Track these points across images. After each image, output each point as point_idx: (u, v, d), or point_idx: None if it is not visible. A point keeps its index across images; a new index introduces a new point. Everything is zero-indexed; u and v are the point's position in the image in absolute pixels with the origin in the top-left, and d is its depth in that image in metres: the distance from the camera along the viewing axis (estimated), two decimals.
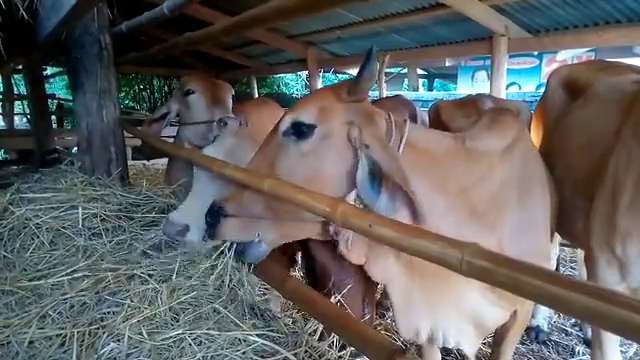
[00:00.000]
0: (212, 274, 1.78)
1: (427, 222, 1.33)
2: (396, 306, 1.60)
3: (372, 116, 1.49)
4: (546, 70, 8.77)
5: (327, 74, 13.11)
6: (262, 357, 1.50)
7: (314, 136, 1.46)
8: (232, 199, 1.62)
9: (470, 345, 1.71)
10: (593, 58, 7.42)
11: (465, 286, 1.56)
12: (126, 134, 3.52)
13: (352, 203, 1.40)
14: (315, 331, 1.70)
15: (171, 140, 3.22)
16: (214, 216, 1.59)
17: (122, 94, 14.53)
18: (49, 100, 9.88)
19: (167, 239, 2.14)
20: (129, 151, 7.99)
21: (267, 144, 1.61)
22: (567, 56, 8.54)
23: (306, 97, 1.65)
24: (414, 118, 3.11)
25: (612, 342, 1.93)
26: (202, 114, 2.92)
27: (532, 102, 5.38)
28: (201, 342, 1.49)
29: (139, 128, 3.64)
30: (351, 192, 1.43)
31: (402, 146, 1.48)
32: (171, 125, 3.24)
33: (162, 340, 1.46)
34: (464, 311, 1.64)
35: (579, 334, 3.26)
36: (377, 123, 1.48)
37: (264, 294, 2.10)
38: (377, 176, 1.38)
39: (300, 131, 1.47)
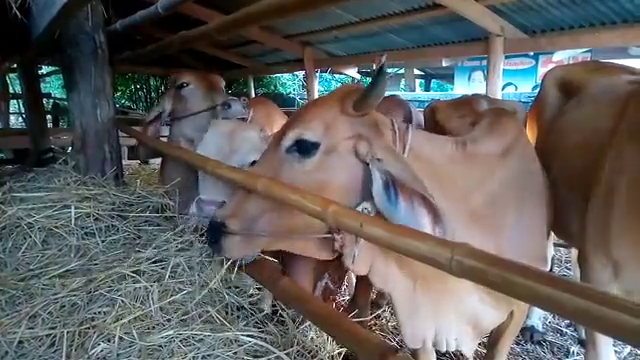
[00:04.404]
0: (205, 274, 1.76)
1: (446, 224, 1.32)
2: (401, 315, 1.59)
3: (379, 127, 1.47)
4: (542, 71, 8.76)
5: (324, 74, 13.13)
6: (254, 357, 1.49)
7: (318, 153, 1.44)
8: (234, 215, 1.55)
9: (468, 346, 1.72)
10: (589, 59, 7.44)
11: (464, 289, 1.56)
12: (122, 134, 3.50)
13: None
14: (302, 324, 1.70)
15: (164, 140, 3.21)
16: (216, 233, 1.52)
17: (118, 93, 14.47)
18: (45, 99, 9.84)
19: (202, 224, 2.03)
20: (125, 151, 7.97)
21: (269, 157, 1.58)
22: (563, 57, 8.54)
23: (309, 109, 1.59)
24: (409, 118, 3.10)
25: (606, 342, 1.93)
26: (200, 103, 2.93)
27: (528, 103, 5.38)
28: (192, 342, 1.48)
29: (134, 128, 3.63)
30: (359, 205, 1.42)
31: (405, 153, 1.47)
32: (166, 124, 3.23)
33: (153, 340, 1.45)
34: (464, 314, 1.64)
35: (574, 334, 3.26)
36: (384, 134, 1.47)
37: (257, 294, 2.09)
38: (392, 187, 1.36)
39: (304, 148, 1.44)
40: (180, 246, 2.08)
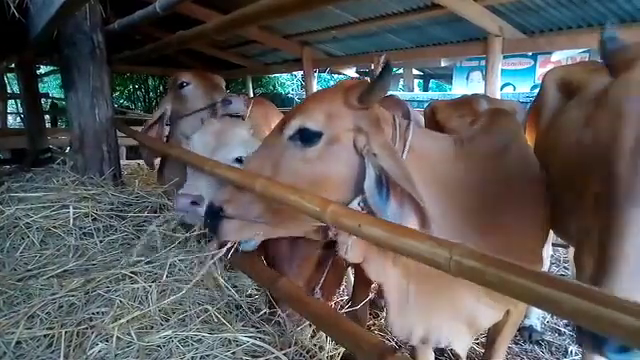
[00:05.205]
0: (202, 274, 1.76)
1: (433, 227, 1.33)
2: (391, 305, 1.59)
3: (379, 123, 1.48)
4: (541, 71, 8.76)
5: (322, 74, 13.12)
6: (253, 357, 1.49)
7: (320, 142, 1.45)
8: (231, 201, 1.59)
9: (462, 344, 1.71)
10: (587, 59, 7.44)
11: (459, 286, 1.55)
12: (120, 133, 3.50)
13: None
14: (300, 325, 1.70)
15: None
16: (214, 217, 1.56)
17: (117, 93, 14.46)
18: (43, 99, 9.83)
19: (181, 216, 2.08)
20: (123, 150, 7.96)
21: (270, 145, 1.59)
22: (561, 57, 8.55)
23: (313, 99, 1.60)
24: (407, 118, 3.10)
25: None
26: (200, 102, 2.92)
27: (527, 103, 5.39)
28: (191, 342, 1.48)
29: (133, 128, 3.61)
30: (356, 198, 1.43)
31: (405, 150, 1.48)
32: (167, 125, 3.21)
33: (151, 341, 1.45)
34: (458, 311, 1.63)
35: (572, 334, 3.26)
36: (384, 130, 1.47)
37: (256, 294, 2.09)
38: (385, 183, 1.37)
39: (306, 137, 1.45)
40: (177, 245, 2.08)
